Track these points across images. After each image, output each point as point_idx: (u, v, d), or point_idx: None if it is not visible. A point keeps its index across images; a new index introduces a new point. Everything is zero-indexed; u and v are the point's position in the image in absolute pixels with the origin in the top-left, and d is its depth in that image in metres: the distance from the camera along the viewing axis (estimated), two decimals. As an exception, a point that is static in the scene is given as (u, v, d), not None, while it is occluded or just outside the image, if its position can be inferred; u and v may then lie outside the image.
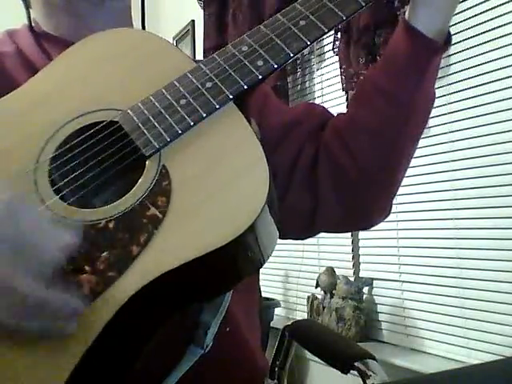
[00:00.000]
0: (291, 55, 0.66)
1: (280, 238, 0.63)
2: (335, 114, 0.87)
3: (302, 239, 0.93)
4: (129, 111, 0.63)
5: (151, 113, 0.63)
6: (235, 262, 0.60)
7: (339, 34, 1.90)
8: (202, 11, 2.57)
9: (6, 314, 0.50)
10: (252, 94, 0.66)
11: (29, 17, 0.84)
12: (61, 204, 0.58)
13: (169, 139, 0.61)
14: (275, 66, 0.65)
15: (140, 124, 0.62)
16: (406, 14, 0.75)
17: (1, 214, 0.51)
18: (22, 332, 0.51)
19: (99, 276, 0.55)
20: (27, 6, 0.84)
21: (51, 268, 0.51)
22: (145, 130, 0.62)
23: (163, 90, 0.64)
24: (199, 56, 2.72)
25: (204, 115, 0.62)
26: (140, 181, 0.60)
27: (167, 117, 0.62)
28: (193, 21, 2.90)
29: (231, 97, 0.63)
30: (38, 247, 0.51)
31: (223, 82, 0.64)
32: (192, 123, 0.62)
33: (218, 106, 0.63)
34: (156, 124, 0.62)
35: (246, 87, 0.64)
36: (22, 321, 0.51)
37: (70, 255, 0.53)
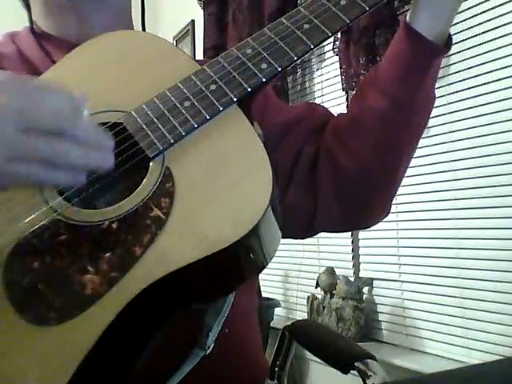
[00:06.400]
0: (295, 58, 0.66)
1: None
2: (336, 115, 0.87)
3: (302, 239, 0.93)
4: (133, 112, 0.63)
5: (155, 114, 0.63)
6: (238, 264, 0.60)
7: (339, 34, 1.90)
8: (202, 11, 2.56)
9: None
10: (255, 97, 0.67)
11: (30, 18, 0.84)
12: (65, 205, 0.59)
13: (172, 141, 0.61)
14: (279, 69, 0.65)
15: (144, 125, 0.62)
16: (408, 16, 0.75)
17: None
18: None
19: (102, 276, 0.55)
20: (28, 8, 0.84)
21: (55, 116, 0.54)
22: (149, 132, 0.62)
23: (167, 92, 0.64)
24: (199, 56, 2.72)
25: (208, 117, 0.62)
26: (144, 182, 0.60)
27: (171, 119, 0.62)
28: (193, 21, 2.89)
29: (235, 99, 0.64)
30: (45, 95, 0.54)
31: (227, 84, 0.64)
32: (196, 125, 0.62)
33: (221, 109, 0.63)
34: (160, 126, 0.62)
35: (249, 90, 0.64)
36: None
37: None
